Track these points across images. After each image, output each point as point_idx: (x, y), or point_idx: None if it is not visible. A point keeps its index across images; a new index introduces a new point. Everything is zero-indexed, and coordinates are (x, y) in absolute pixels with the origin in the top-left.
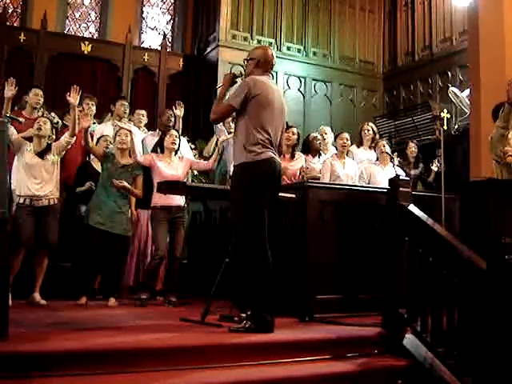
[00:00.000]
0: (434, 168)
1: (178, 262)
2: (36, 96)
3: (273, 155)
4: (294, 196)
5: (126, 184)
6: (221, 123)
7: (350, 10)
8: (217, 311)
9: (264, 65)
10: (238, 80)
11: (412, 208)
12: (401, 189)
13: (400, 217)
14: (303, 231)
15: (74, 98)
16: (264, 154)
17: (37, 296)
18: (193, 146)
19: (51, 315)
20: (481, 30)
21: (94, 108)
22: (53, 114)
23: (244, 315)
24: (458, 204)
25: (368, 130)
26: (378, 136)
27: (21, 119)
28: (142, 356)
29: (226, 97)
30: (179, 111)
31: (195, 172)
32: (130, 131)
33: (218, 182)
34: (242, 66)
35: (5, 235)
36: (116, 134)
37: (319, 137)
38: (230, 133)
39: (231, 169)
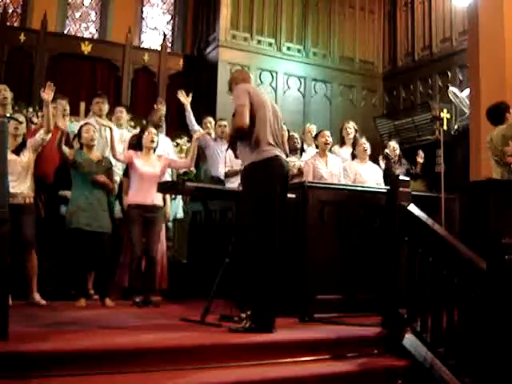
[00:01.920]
0: (420, 160)
1: (155, 262)
2: None
3: (278, 154)
4: (294, 196)
5: (106, 179)
6: (196, 124)
7: (350, 10)
8: (217, 311)
9: (241, 80)
10: None
11: (412, 208)
12: (400, 189)
13: (400, 217)
14: (303, 231)
15: (47, 94)
16: (269, 152)
17: (36, 296)
18: None
19: (51, 315)
20: (481, 30)
21: (67, 107)
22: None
23: (244, 315)
24: (458, 204)
25: (349, 129)
26: (358, 134)
27: (21, 119)
28: (141, 356)
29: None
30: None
31: (194, 171)
32: (111, 128)
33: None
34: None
35: (5, 235)
36: (82, 130)
37: (296, 135)
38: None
39: (221, 170)
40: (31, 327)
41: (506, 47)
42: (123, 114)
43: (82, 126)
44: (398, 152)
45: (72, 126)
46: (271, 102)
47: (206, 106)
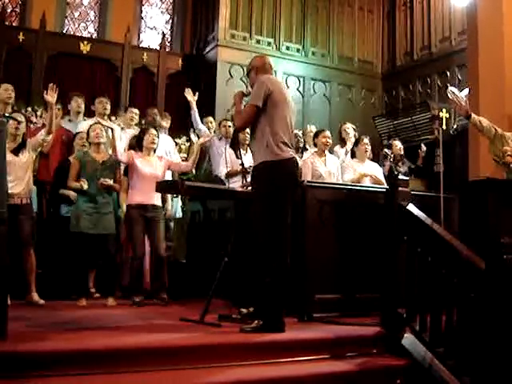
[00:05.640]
0: (422, 153)
1: (164, 260)
2: (6, 91)
3: (293, 154)
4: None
5: (110, 182)
6: (200, 123)
7: (349, 10)
8: (216, 311)
9: (263, 70)
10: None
11: (411, 207)
12: (400, 188)
13: (399, 216)
14: (302, 231)
15: (51, 96)
16: (286, 153)
17: (35, 296)
18: None
19: (51, 315)
20: (480, 30)
21: (82, 106)
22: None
23: (245, 310)
24: (457, 204)
25: (348, 129)
26: (357, 134)
27: (19, 118)
28: (142, 356)
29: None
30: (166, 123)
31: (193, 171)
32: (112, 129)
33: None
34: (242, 67)
35: (5, 235)
36: (89, 130)
37: (299, 134)
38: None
39: (222, 171)
40: (30, 327)
41: (504, 47)
42: (137, 116)
43: (90, 126)
44: (401, 151)
45: (72, 125)
46: (291, 101)
47: (204, 106)
